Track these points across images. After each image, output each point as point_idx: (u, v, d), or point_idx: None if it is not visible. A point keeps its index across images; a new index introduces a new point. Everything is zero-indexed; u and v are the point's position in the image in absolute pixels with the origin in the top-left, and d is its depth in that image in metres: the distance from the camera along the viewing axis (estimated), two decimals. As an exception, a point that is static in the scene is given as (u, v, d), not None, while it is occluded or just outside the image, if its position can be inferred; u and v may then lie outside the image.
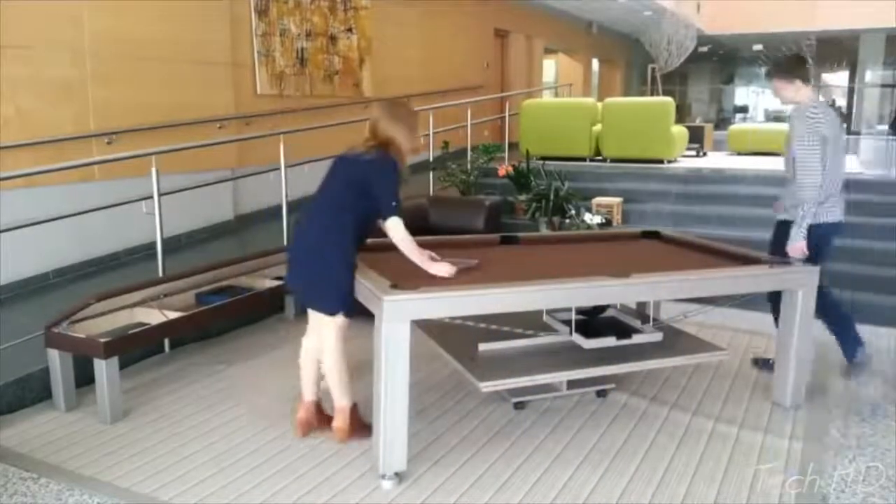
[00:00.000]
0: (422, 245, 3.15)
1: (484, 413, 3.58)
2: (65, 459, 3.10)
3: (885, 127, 18.14)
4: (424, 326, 3.46)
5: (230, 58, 6.62)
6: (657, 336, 3.56)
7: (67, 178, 5.05)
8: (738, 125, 14.64)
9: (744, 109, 25.75)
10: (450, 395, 3.79)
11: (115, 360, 3.45)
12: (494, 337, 3.45)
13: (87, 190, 5.24)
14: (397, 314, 2.76)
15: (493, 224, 5.79)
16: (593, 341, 3.39)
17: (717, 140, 11.52)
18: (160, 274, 4.45)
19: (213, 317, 4.31)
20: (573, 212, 6.52)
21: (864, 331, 4.15)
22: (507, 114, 9.92)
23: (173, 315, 3.93)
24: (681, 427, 3.44)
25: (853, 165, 8.21)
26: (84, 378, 3.63)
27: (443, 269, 3.10)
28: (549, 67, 16.33)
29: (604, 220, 6.46)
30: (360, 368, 3.51)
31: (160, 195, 4.42)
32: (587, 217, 6.40)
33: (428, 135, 7.58)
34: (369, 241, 3.30)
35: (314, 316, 3.25)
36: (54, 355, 3.54)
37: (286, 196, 5.57)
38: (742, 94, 26.78)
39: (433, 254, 3.22)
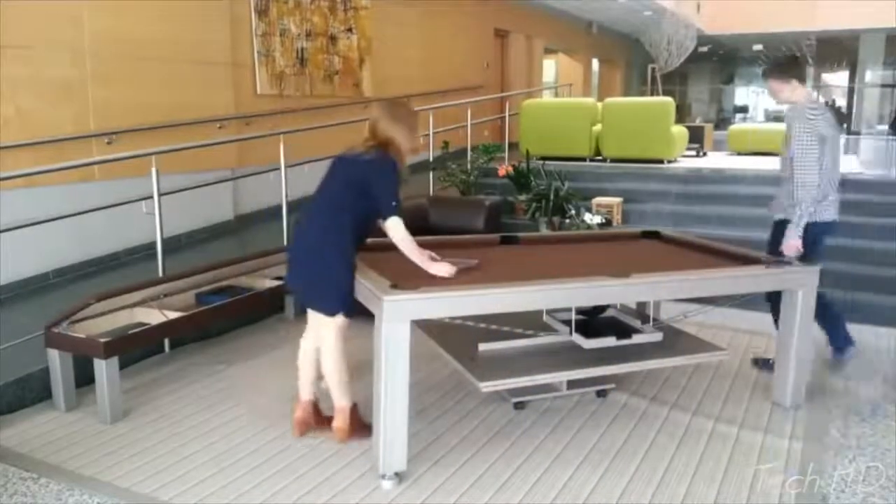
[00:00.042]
0: (422, 245, 3.15)
1: (484, 413, 3.58)
2: (65, 459, 3.10)
3: (885, 127, 18.16)
4: (424, 326, 3.46)
5: (230, 58, 6.62)
6: (657, 336, 3.56)
7: (67, 178, 5.05)
8: (738, 125, 14.65)
9: (744, 109, 25.77)
10: (450, 395, 3.79)
11: (115, 360, 3.45)
12: (494, 337, 3.45)
13: (87, 190, 5.24)
14: (397, 314, 2.76)
15: (493, 224, 5.79)
16: (593, 341, 3.39)
17: (717, 140, 11.52)
18: (160, 274, 4.45)
19: (213, 317, 4.31)
20: (573, 212, 6.52)
21: (865, 331, 4.17)
22: (507, 114, 9.92)
23: (173, 315, 3.93)
24: (681, 427, 3.44)
25: (853, 165, 8.21)
26: (84, 378, 3.63)
27: (443, 269, 3.10)
28: (549, 67, 16.32)
29: (604, 220, 6.46)
30: (360, 368, 3.51)
31: (160, 195, 4.42)
32: (587, 217, 6.40)
33: (428, 135, 7.58)
34: (369, 241, 3.30)
35: (313, 316, 3.25)
36: (54, 355, 3.54)
37: (286, 196, 5.57)
38: (742, 94, 26.79)
39: (433, 254, 3.22)
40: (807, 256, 3.76)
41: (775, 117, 19.57)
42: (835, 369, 4.16)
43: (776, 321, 3.80)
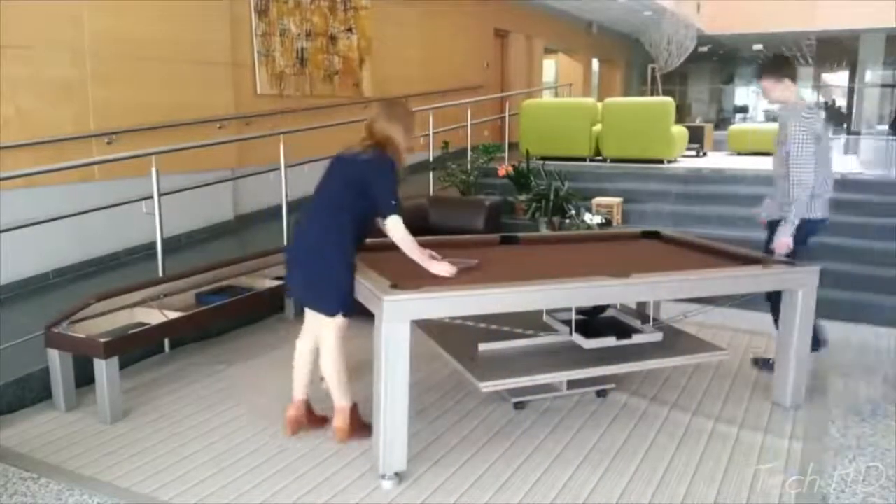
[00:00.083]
0: (422, 245, 3.15)
1: (484, 413, 3.58)
2: (65, 459, 3.10)
3: (885, 127, 18.17)
4: (424, 326, 3.46)
5: (230, 58, 6.62)
6: (657, 336, 3.56)
7: (67, 178, 5.05)
8: (737, 125, 14.63)
9: (744, 109, 25.77)
10: (450, 395, 3.79)
11: (115, 360, 3.45)
12: (494, 337, 3.45)
13: (87, 190, 5.24)
14: (397, 314, 2.76)
15: (493, 224, 5.80)
16: (593, 341, 3.39)
17: (717, 140, 11.52)
18: (160, 274, 4.45)
19: (213, 317, 4.31)
20: (573, 212, 6.52)
21: (865, 331, 4.16)
22: (507, 114, 9.91)
23: (173, 315, 3.93)
24: (681, 427, 3.44)
25: (853, 165, 8.22)
26: (84, 378, 3.63)
27: (443, 268, 3.10)
28: (549, 67, 16.32)
29: (604, 220, 6.46)
30: (360, 368, 3.51)
31: (160, 195, 4.42)
32: (587, 217, 6.40)
33: (428, 135, 7.57)
34: (369, 240, 3.30)
35: (311, 316, 3.25)
36: (54, 355, 3.54)
37: (286, 196, 5.57)
38: (742, 94, 26.79)
39: (433, 253, 3.22)
40: (796, 254, 3.80)
41: (775, 117, 19.55)
42: (835, 369, 4.14)
43: (776, 321, 3.81)
